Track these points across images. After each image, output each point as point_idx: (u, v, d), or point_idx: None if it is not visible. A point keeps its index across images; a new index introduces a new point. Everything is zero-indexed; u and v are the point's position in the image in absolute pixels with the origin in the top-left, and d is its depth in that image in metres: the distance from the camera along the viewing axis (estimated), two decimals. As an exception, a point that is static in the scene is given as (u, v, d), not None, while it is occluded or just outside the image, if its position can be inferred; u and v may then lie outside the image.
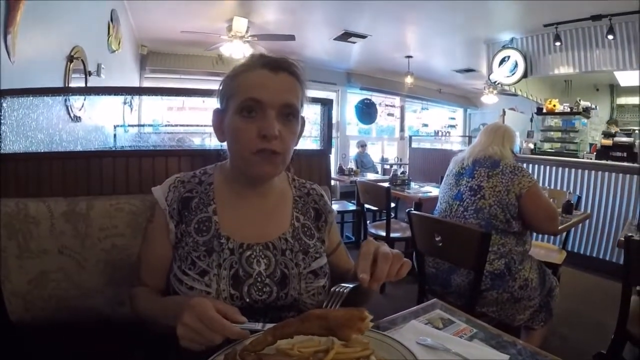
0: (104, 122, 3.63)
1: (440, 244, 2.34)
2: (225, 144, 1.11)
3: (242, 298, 1.02)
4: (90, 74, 3.96)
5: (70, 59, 3.47)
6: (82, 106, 3.17)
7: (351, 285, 0.89)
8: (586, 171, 5.01)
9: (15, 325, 1.46)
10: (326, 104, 2.07)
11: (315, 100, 2.03)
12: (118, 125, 3.89)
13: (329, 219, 1.26)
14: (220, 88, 1.09)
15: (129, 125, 4.09)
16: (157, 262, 1.12)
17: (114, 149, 2.72)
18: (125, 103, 4.59)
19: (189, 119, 6.85)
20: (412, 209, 2.71)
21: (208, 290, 1.01)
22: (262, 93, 0.99)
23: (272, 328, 0.79)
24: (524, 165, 2.45)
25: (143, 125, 4.82)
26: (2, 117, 1.68)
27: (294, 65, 1.05)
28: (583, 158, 5.83)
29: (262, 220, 1.14)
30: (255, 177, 1.09)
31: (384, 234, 4.02)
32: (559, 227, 2.76)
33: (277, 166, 1.06)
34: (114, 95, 1.97)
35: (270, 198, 1.18)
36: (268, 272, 1.07)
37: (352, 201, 5.92)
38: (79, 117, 3.17)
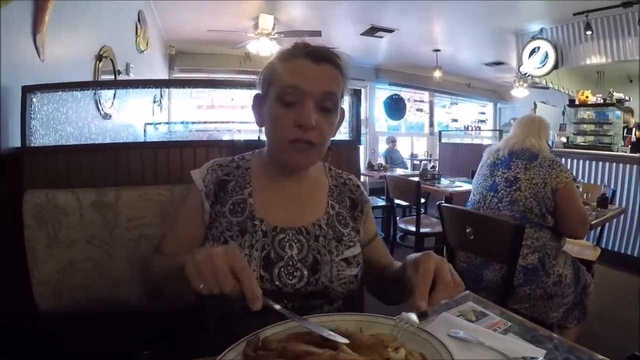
0: (133, 120, 3.67)
1: (472, 237, 2.29)
2: (263, 130, 1.12)
3: (272, 280, 1.02)
4: (119, 72, 4.02)
5: (99, 58, 3.52)
6: (112, 104, 3.21)
7: (417, 322, 0.82)
8: (621, 165, 4.83)
9: (43, 314, 1.49)
10: (354, 94, 2.05)
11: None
12: (148, 123, 3.93)
13: (365, 209, 1.24)
14: (262, 74, 1.10)
15: (158, 123, 4.13)
16: (185, 239, 1.12)
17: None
18: (154, 102, 4.64)
19: (218, 116, 6.89)
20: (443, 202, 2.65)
21: None
22: (302, 81, 1.00)
23: (295, 333, 0.78)
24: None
25: (173, 123, 4.87)
26: (32, 112, 1.71)
27: (336, 56, 1.06)
28: (617, 151, 5.65)
29: (297, 205, 1.15)
30: (288, 166, 1.10)
31: (413, 229, 3.96)
32: (594, 222, 2.71)
33: (312, 157, 1.07)
34: (142, 88, 1.98)
35: (306, 185, 1.18)
36: (300, 256, 1.06)
37: (382, 197, 5.88)
38: (109, 115, 3.21)
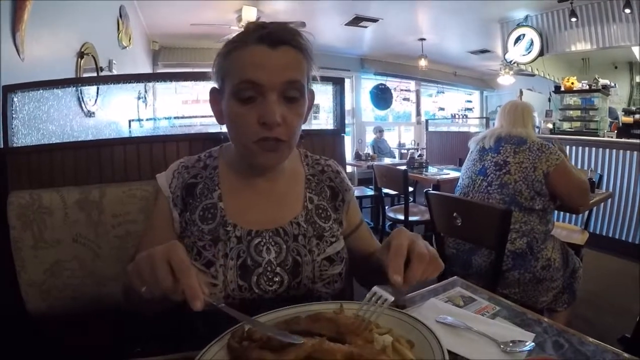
0: (118, 117, 3.64)
1: (460, 223, 2.29)
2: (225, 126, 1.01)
3: (251, 289, 0.96)
4: (102, 69, 3.96)
5: (81, 55, 3.47)
6: (96, 102, 3.18)
7: (391, 299, 0.78)
8: (607, 150, 4.85)
9: (31, 315, 1.48)
10: (338, 83, 2.04)
11: (326, 80, 1.99)
12: (133, 120, 3.90)
13: (346, 198, 1.15)
14: (214, 65, 0.98)
15: (141, 120, 4.10)
16: None
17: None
18: (139, 98, 4.60)
19: (203, 111, 6.86)
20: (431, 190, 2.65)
21: (215, 282, 0.94)
22: (259, 74, 0.88)
23: (281, 322, 0.76)
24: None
25: (157, 119, 4.83)
26: (14, 112, 1.70)
27: (296, 34, 0.93)
28: (604, 136, 5.69)
29: (272, 204, 1.06)
30: (258, 166, 1.01)
31: (402, 217, 3.98)
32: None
33: (282, 153, 0.97)
34: (123, 83, 1.96)
35: (280, 180, 1.09)
36: (278, 260, 0.99)
37: (370, 186, 5.89)
38: (93, 113, 3.18)
